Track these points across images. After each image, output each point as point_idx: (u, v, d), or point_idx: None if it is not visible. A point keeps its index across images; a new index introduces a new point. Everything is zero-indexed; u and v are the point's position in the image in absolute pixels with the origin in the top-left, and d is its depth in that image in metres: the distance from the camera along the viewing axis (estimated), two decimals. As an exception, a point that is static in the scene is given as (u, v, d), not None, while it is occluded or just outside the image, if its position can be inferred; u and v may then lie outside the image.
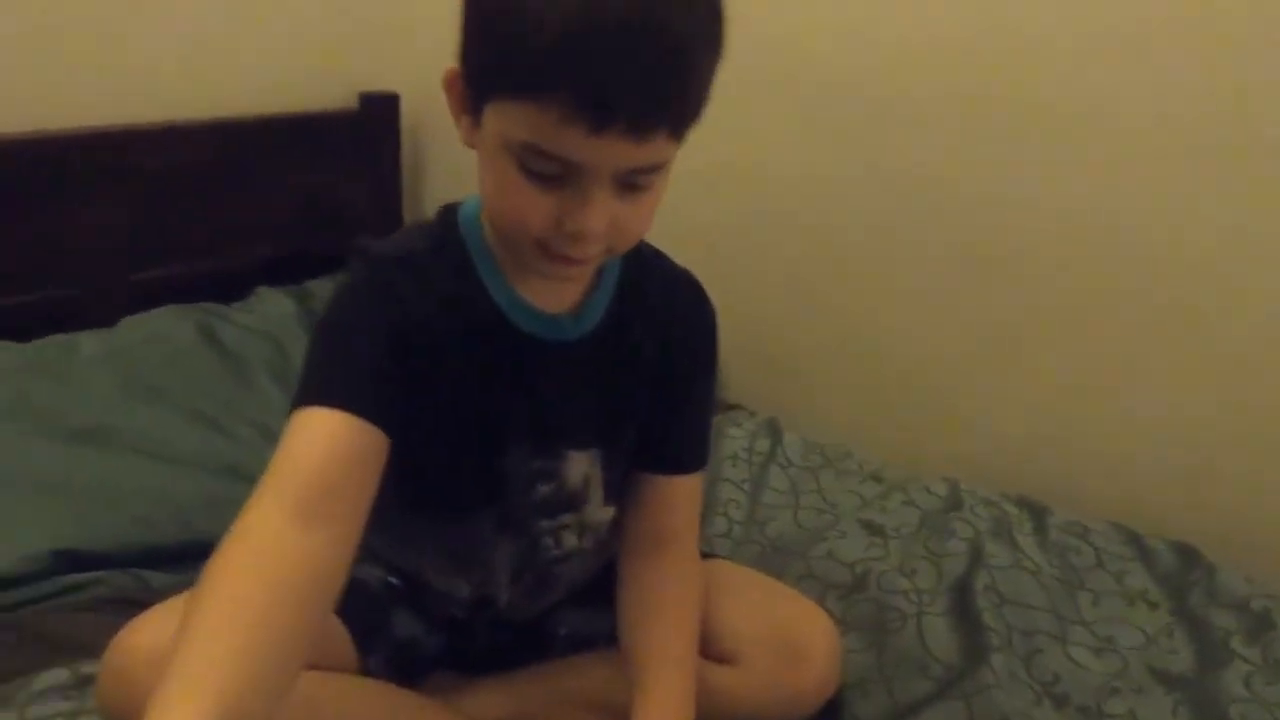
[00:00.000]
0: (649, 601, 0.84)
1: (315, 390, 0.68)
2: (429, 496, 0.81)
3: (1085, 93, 1.24)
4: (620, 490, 0.87)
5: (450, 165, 1.91)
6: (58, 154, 1.47)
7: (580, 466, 0.83)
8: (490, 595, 0.87)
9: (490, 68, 0.66)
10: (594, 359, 0.81)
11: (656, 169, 0.68)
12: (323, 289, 1.65)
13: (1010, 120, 1.31)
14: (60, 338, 1.38)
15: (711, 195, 1.60)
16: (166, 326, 1.43)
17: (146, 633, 0.71)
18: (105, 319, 1.47)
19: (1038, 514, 1.24)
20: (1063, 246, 1.30)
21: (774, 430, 1.43)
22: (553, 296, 0.78)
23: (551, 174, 0.65)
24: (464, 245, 0.77)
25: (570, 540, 0.85)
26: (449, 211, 0.79)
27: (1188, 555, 1.15)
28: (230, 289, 1.62)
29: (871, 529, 1.20)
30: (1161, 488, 1.29)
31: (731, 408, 1.54)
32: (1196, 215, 1.20)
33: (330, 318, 0.74)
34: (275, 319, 1.52)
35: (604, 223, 0.67)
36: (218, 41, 1.67)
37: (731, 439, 1.39)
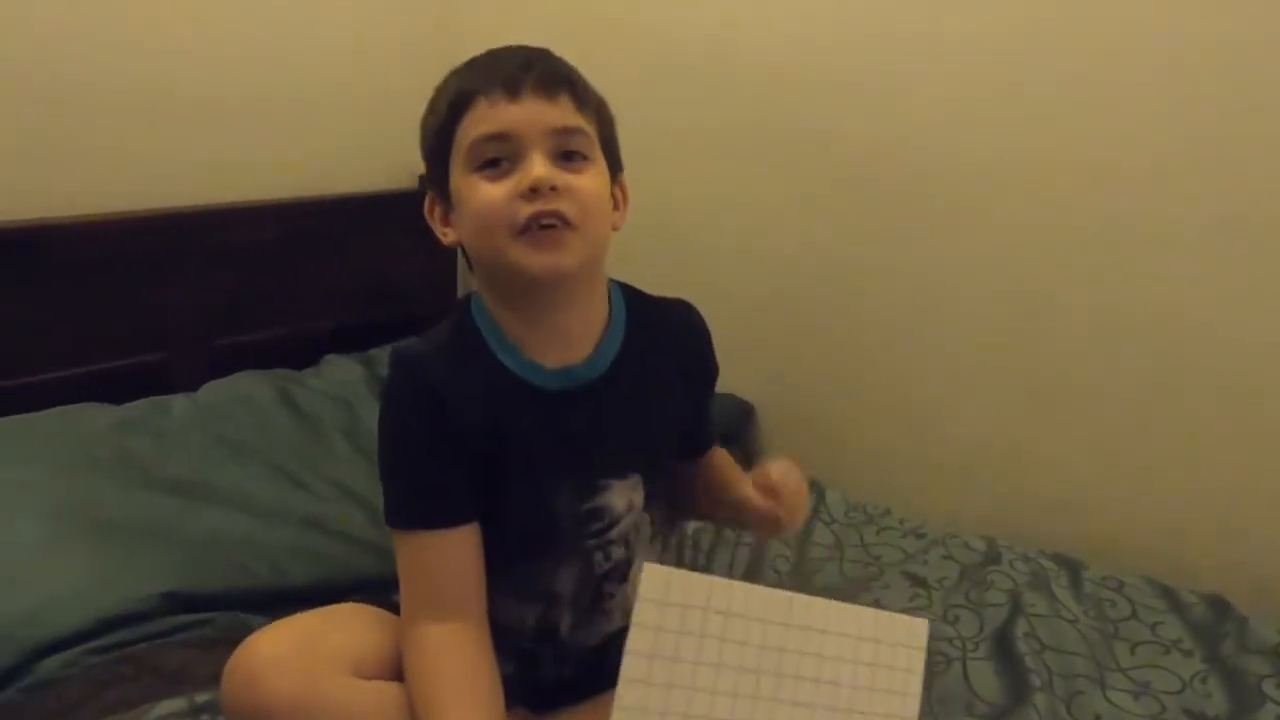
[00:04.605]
0: (712, 469, 1.05)
1: (412, 515, 0.87)
2: (493, 547, 0.90)
3: (1115, 160, 1.34)
4: (659, 487, 0.98)
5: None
6: (149, 232, 1.60)
7: (624, 493, 0.94)
8: (553, 622, 0.95)
9: (443, 129, 0.87)
10: (616, 396, 0.92)
11: (578, 134, 0.86)
12: (385, 356, 1.75)
13: (1043, 195, 1.40)
14: (152, 399, 1.48)
15: (757, 274, 1.71)
16: (248, 390, 1.53)
17: (267, 641, 0.83)
18: (188, 383, 1.57)
19: (1073, 568, 1.30)
20: (1099, 323, 1.39)
21: (817, 489, 1.50)
22: (559, 351, 0.90)
23: (499, 155, 0.84)
24: (478, 329, 0.90)
25: (618, 551, 0.95)
26: (465, 302, 0.94)
27: (1219, 607, 1.21)
28: (301, 356, 1.73)
29: (914, 580, 1.26)
30: (1193, 548, 1.35)
31: (774, 469, 1.61)
32: (1221, 291, 1.28)
33: (389, 429, 0.89)
34: (345, 384, 1.62)
35: (549, 172, 0.83)
36: (290, 131, 1.80)
37: (777, 497, 1.46)
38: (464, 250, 0.91)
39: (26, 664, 0.98)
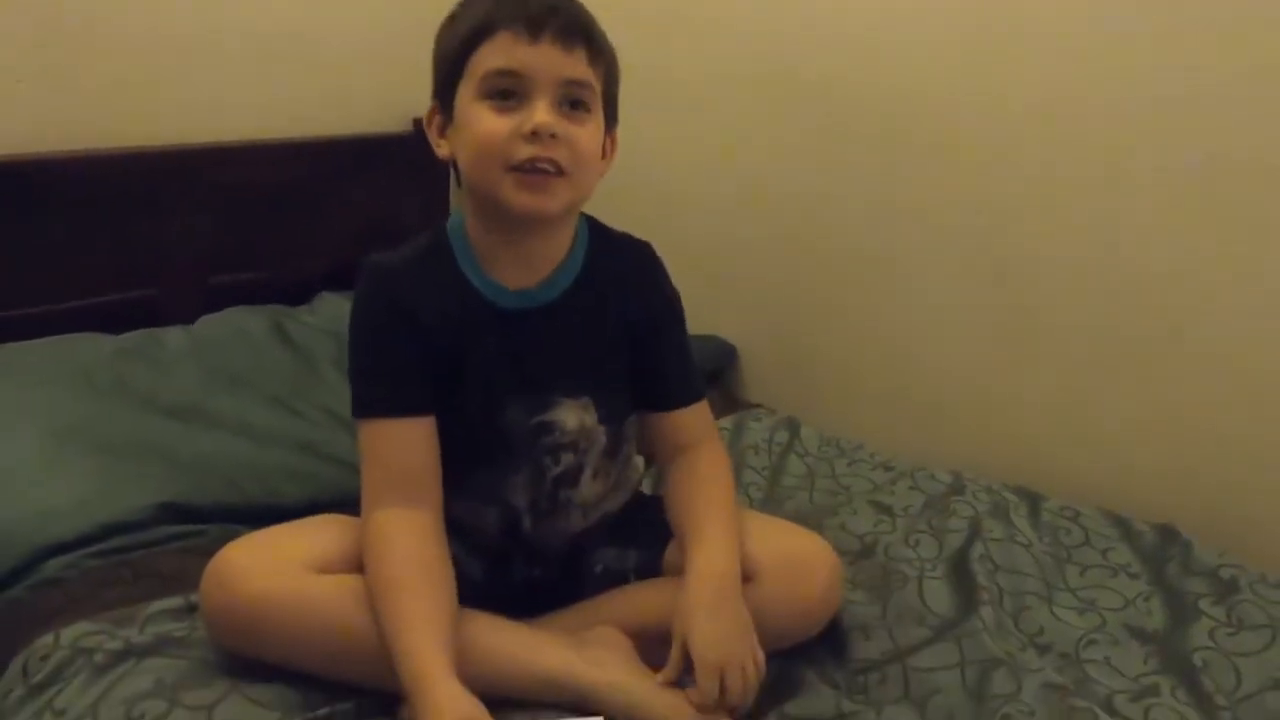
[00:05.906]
0: (687, 483, 1.02)
1: (375, 404, 0.94)
2: (450, 455, 0.97)
3: (1087, 107, 1.37)
4: (615, 412, 1.03)
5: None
6: (147, 169, 1.64)
7: (575, 411, 1.00)
8: (514, 522, 1.02)
9: (460, 51, 0.91)
10: (567, 320, 0.98)
11: (586, 87, 0.90)
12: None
13: (1015, 140, 1.44)
14: (148, 331, 1.53)
15: (740, 219, 1.74)
16: (242, 323, 1.58)
17: (238, 549, 0.92)
18: (182, 319, 1.62)
19: (1033, 500, 1.35)
20: (1067, 269, 1.42)
21: (792, 425, 1.55)
22: (522, 274, 0.97)
23: (508, 90, 0.88)
24: (449, 245, 0.97)
25: (567, 457, 1.01)
26: (440, 222, 1.00)
27: (1168, 534, 1.26)
28: (294, 295, 1.77)
29: (880, 508, 1.32)
30: (1147, 480, 1.40)
31: (752, 406, 1.67)
32: (1180, 238, 1.32)
33: (358, 329, 0.97)
34: (336, 318, 1.66)
35: (553, 119, 0.88)
36: (288, 72, 1.83)
37: (752, 431, 1.52)
38: (455, 164, 0.95)
39: (32, 564, 1.04)
